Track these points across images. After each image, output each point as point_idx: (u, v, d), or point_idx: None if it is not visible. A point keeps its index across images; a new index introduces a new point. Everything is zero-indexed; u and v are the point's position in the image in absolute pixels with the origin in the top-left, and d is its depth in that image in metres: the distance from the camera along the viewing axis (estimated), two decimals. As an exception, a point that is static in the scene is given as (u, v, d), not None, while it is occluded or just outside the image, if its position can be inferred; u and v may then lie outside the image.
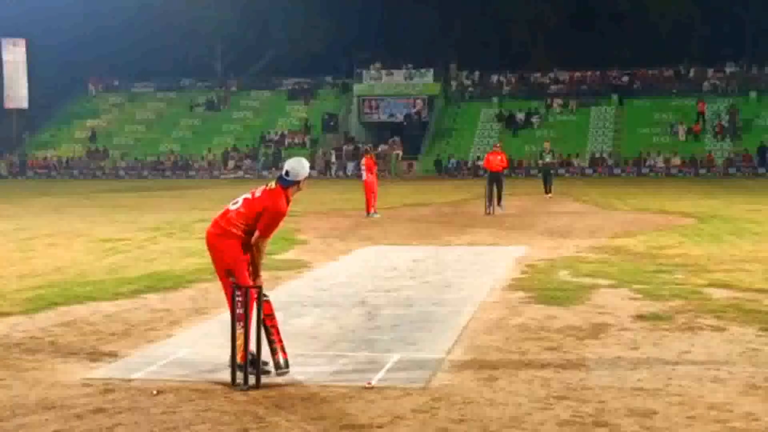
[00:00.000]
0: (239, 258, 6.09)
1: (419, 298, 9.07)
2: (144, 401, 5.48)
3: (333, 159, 48.25)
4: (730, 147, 45.07)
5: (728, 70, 51.02)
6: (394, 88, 52.24)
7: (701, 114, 46.99)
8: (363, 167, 20.35)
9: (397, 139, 48.99)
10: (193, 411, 5.27)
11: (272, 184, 6.28)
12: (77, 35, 52.69)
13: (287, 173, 6.21)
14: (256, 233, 6.08)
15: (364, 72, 52.94)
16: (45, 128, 56.34)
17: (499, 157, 21.53)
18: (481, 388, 5.69)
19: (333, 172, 47.32)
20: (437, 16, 55.34)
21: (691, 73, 51.25)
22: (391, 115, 52.05)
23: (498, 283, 9.91)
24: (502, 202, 20.58)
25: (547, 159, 27.16)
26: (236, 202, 6.29)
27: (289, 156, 46.65)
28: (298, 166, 6.27)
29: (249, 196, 6.28)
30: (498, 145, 24.20)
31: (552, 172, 27.06)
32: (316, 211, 21.54)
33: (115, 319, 8.06)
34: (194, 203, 25.32)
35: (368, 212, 19.44)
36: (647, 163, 44.55)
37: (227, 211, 6.28)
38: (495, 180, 20.62)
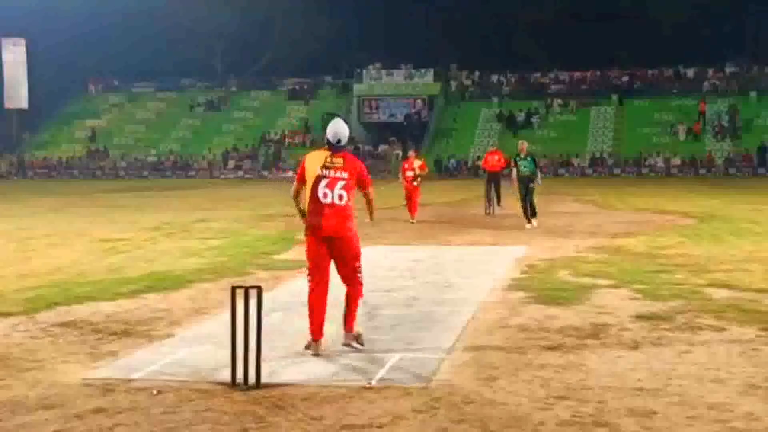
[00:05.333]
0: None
1: (419, 298, 9.07)
2: (144, 401, 5.47)
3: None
4: (730, 147, 45.10)
5: (728, 70, 51.06)
6: (394, 88, 52.27)
7: (702, 114, 47.02)
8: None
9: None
10: (193, 411, 5.27)
11: (335, 160, 6.59)
12: (77, 35, 52.76)
13: (339, 141, 6.69)
14: (369, 190, 6.93)
15: (364, 72, 52.97)
16: (45, 128, 56.39)
17: (497, 157, 21.42)
18: (481, 388, 5.69)
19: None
20: (437, 16, 55.37)
21: (691, 73, 51.27)
22: (391, 115, 52.10)
23: (498, 283, 9.90)
24: (502, 202, 20.51)
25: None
26: (341, 197, 6.57)
27: (290, 156, 46.36)
28: (342, 132, 6.73)
29: (342, 182, 6.56)
30: (495, 144, 24.07)
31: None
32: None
33: (115, 319, 8.06)
34: (194, 203, 25.34)
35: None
36: (647, 163, 44.59)
37: (336, 207, 6.55)
38: (493, 180, 20.58)
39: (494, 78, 54.13)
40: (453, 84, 53.78)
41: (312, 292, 6.63)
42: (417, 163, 18.99)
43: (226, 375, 5.84)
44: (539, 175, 17.30)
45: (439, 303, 8.76)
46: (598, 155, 46.17)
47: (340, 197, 6.54)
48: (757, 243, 13.47)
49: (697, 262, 11.28)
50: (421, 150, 48.15)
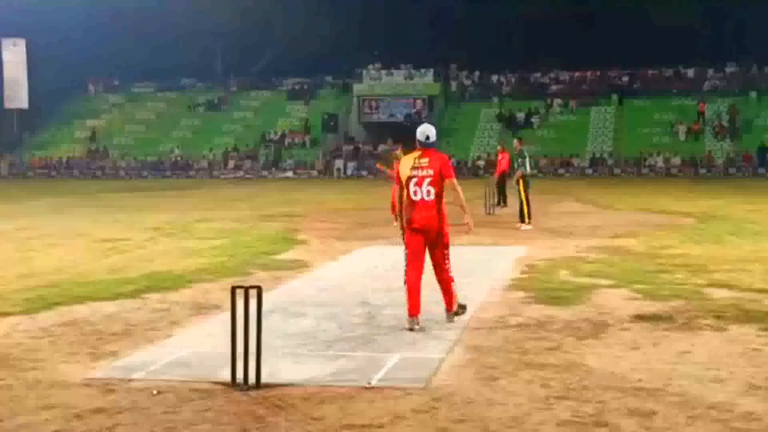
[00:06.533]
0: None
1: (419, 298, 9.05)
2: (144, 401, 5.48)
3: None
4: (730, 147, 45.09)
5: (728, 70, 51.05)
6: (394, 88, 52.24)
7: (701, 114, 47.03)
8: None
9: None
10: (193, 411, 5.27)
11: (421, 160, 7.47)
12: (77, 35, 52.72)
13: (427, 138, 7.59)
14: (452, 180, 7.49)
15: (364, 72, 52.95)
16: (45, 128, 56.37)
17: (499, 157, 21.48)
18: (481, 388, 5.69)
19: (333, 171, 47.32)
20: (437, 16, 55.36)
21: (691, 73, 51.26)
22: (391, 115, 52.06)
23: (498, 283, 9.90)
24: (508, 202, 20.46)
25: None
26: (429, 193, 7.40)
27: (290, 156, 46.49)
28: (431, 131, 7.66)
29: (428, 179, 7.39)
30: (501, 144, 23.99)
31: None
32: (316, 211, 21.55)
33: (115, 319, 8.06)
34: (194, 203, 25.33)
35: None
36: (647, 163, 44.58)
37: (425, 202, 7.43)
38: (498, 180, 20.62)
39: (494, 78, 54.12)
40: (453, 84, 53.76)
41: (408, 274, 7.58)
42: None
43: (226, 375, 5.84)
44: (524, 166, 16.97)
45: (439, 303, 8.74)
46: (598, 155, 46.17)
47: (428, 192, 7.43)
48: (757, 243, 13.47)
49: (697, 262, 11.28)
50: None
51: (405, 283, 7.63)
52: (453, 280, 7.70)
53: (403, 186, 7.59)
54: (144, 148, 52.54)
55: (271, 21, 56.36)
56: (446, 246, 7.62)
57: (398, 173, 7.66)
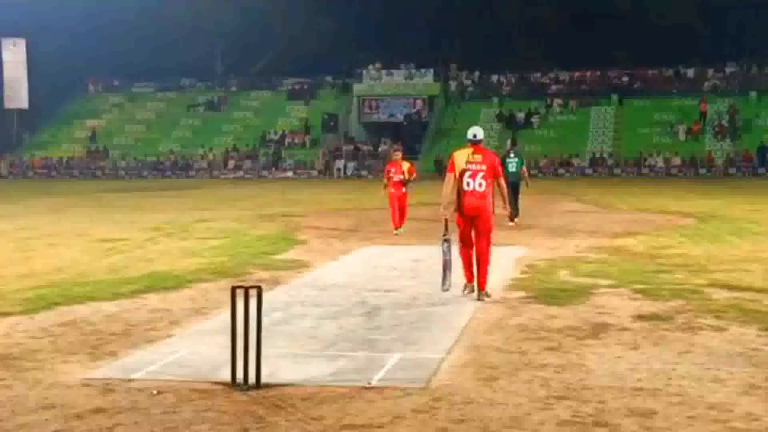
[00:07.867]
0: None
1: (419, 298, 9.07)
2: (144, 401, 5.48)
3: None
4: (730, 147, 45.06)
5: (728, 70, 51.00)
6: (394, 88, 52.20)
7: (703, 114, 46.98)
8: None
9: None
10: (193, 411, 5.28)
11: (475, 156, 8.77)
12: (77, 35, 52.72)
13: (475, 136, 8.91)
14: (500, 179, 8.97)
15: (364, 72, 52.91)
16: (45, 128, 56.36)
17: None
18: (481, 388, 5.69)
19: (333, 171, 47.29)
20: (437, 16, 55.35)
21: (691, 73, 51.24)
22: (391, 115, 52.03)
23: (498, 283, 9.89)
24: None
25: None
26: (480, 185, 8.70)
27: (290, 156, 46.52)
28: (479, 131, 9.00)
29: (481, 173, 8.69)
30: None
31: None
32: (316, 211, 21.54)
33: (115, 319, 8.06)
34: (194, 203, 25.33)
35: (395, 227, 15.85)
36: (647, 163, 44.55)
37: (476, 192, 8.71)
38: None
39: (494, 78, 54.06)
40: (453, 84, 53.72)
41: (461, 252, 8.93)
42: (405, 165, 16.27)
43: (226, 375, 5.84)
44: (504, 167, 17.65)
45: (439, 303, 8.76)
46: (598, 155, 46.15)
47: (480, 185, 8.72)
48: (757, 243, 13.47)
49: (697, 262, 11.28)
50: (421, 150, 48.07)
51: (461, 258, 8.90)
52: (490, 263, 8.90)
53: (456, 177, 8.73)
54: (144, 148, 52.51)
55: (271, 21, 56.33)
56: (490, 230, 8.87)
57: (453, 163, 8.80)
